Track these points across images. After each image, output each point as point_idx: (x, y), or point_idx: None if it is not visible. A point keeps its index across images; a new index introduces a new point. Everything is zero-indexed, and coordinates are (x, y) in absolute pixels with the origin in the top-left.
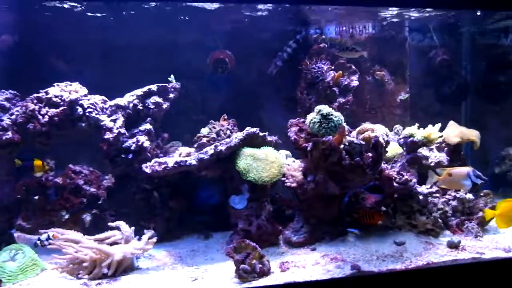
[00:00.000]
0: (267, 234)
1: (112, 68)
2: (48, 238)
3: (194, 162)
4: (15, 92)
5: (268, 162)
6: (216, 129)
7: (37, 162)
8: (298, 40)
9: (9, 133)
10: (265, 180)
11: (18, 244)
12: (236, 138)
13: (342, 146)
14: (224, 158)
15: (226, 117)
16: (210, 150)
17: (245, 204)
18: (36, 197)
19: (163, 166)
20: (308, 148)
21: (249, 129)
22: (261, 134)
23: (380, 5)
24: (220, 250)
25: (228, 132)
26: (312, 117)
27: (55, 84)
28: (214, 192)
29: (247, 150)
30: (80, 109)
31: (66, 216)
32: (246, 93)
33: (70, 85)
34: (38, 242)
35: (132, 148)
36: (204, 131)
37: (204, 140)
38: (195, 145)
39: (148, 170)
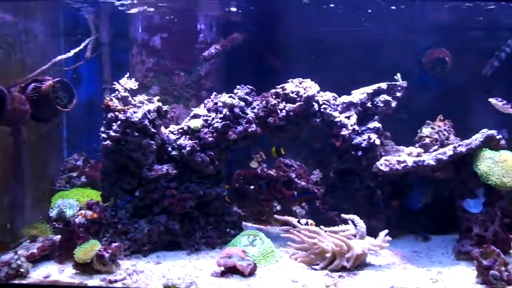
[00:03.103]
0: (501, 241)
1: (319, 65)
2: (306, 224)
3: (432, 162)
4: (251, 87)
5: (509, 167)
6: (435, 130)
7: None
8: None
9: (253, 125)
10: (507, 186)
11: (254, 231)
12: (476, 139)
13: None
14: (458, 160)
15: (442, 118)
16: (448, 150)
17: (480, 208)
18: (251, 187)
19: (402, 165)
20: None
21: (486, 131)
22: (497, 137)
23: None
24: (445, 254)
25: (445, 133)
26: None
27: (289, 80)
28: (429, 193)
29: (487, 153)
30: (316, 105)
31: (278, 207)
32: (454, 93)
33: (304, 81)
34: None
35: (363, 145)
36: (426, 131)
37: (427, 140)
38: (417, 145)
39: (384, 168)
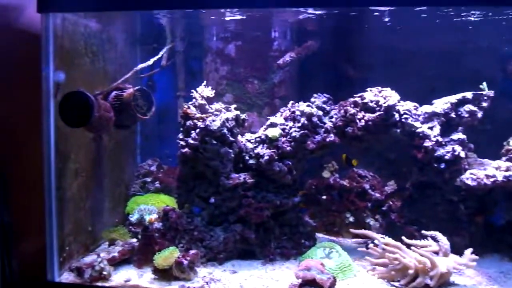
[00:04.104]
0: None
1: (395, 74)
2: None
3: None
4: (328, 96)
5: None
6: None
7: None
8: None
9: (331, 135)
10: None
11: (330, 243)
12: None
13: None
14: None
15: None
16: None
17: None
18: (324, 197)
19: (492, 179)
20: None
21: None
22: None
23: None
24: None
25: None
26: None
27: (368, 89)
28: None
29: None
30: (396, 115)
31: (351, 219)
32: None
33: (383, 90)
34: (371, 244)
35: (446, 157)
36: None
37: None
38: (504, 159)
39: (470, 182)
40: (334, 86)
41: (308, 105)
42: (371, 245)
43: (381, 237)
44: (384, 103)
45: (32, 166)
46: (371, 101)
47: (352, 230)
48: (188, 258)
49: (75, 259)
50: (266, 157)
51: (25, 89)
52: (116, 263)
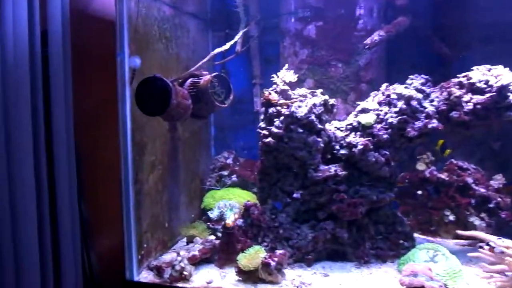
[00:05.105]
0: None
1: (494, 52)
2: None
3: None
4: (427, 77)
5: None
6: None
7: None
8: None
9: (434, 121)
10: None
11: (433, 244)
12: None
13: None
14: None
15: None
16: None
17: None
18: (419, 192)
19: None
20: None
21: None
22: None
23: None
24: None
25: None
26: None
27: (474, 68)
28: None
29: None
30: (511, 96)
31: (450, 217)
32: None
33: (493, 68)
34: (486, 247)
35: None
36: None
37: None
38: None
39: None
40: (427, 67)
41: (406, 87)
42: (485, 247)
43: (498, 239)
44: (496, 82)
45: (108, 158)
46: (480, 81)
47: (459, 231)
48: (276, 259)
49: (153, 257)
50: (360, 147)
51: (100, 76)
52: (197, 262)
